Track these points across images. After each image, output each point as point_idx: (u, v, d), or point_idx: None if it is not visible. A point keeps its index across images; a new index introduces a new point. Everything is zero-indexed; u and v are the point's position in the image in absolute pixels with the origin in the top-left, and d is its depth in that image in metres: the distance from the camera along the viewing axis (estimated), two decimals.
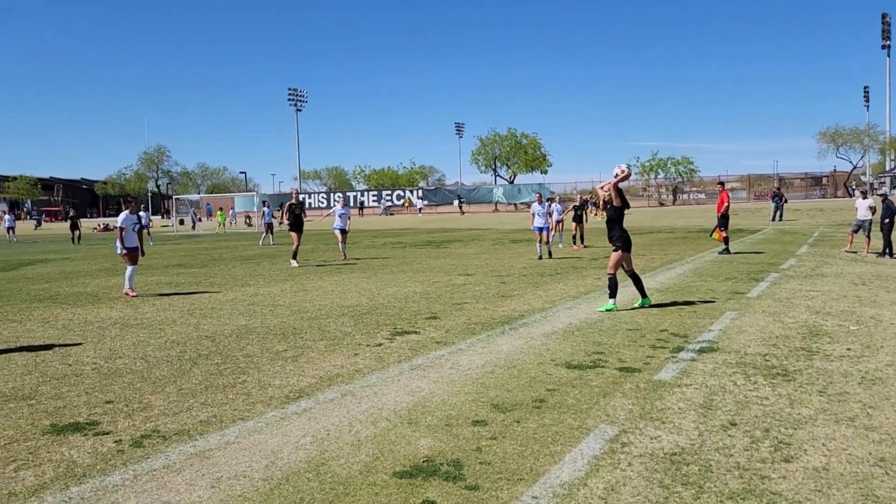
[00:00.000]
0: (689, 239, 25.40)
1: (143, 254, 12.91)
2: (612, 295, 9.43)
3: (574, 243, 22.00)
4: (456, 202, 64.03)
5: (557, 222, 21.15)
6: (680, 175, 66.50)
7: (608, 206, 9.69)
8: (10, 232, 40.66)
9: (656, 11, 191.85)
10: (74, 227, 35.33)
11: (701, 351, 6.82)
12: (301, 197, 21.42)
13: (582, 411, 5.01)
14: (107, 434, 4.68)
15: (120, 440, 4.56)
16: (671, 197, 65.46)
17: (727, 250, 17.83)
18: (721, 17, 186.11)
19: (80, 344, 7.86)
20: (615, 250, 9.50)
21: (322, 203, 72.39)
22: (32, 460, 4.23)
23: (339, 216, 19.62)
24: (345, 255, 19.40)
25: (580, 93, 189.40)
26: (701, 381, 5.73)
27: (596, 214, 47.53)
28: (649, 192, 66.40)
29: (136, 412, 5.18)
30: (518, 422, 4.81)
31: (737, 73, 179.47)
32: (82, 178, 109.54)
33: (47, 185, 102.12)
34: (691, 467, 3.92)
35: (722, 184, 20.07)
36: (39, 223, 69.23)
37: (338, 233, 19.42)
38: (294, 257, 17.58)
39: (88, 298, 11.94)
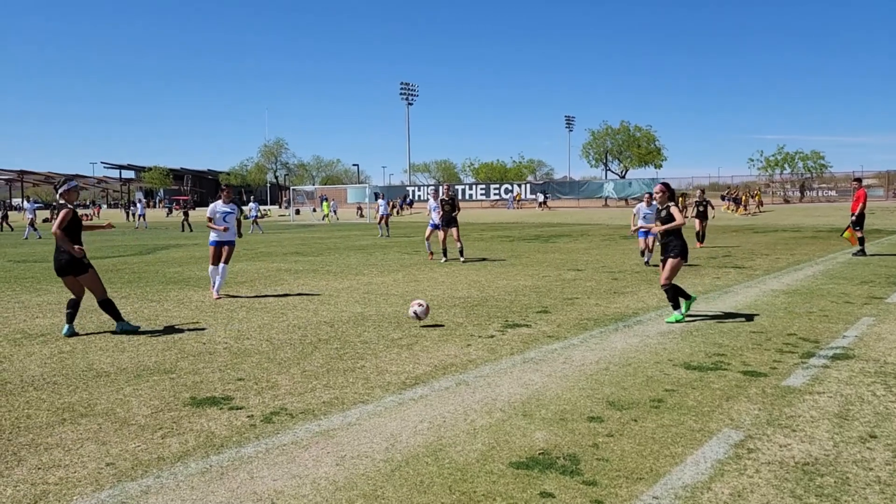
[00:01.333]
0: (818, 239, 23.88)
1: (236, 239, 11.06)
2: (677, 305, 8.46)
3: (698, 241, 20.32)
4: (540, 196, 61.92)
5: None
6: (809, 170, 62.55)
7: (665, 215, 8.73)
8: (142, 219, 44.17)
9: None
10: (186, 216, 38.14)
11: (834, 357, 6.42)
12: (452, 190, 17.28)
13: (703, 414, 4.85)
14: (240, 409, 4.99)
15: (252, 415, 4.85)
16: (798, 194, 61.62)
17: (863, 252, 16.63)
18: (847, 2, 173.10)
19: (211, 324, 8.39)
20: (674, 258, 8.37)
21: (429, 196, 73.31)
22: (176, 429, 4.57)
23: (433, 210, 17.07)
24: (431, 253, 17.15)
25: (698, 83, 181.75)
26: (835, 390, 5.40)
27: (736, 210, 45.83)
28: (773, 189, 62.78)
29: (265, 390, 5.48)
30: (635, 420, 4.72)
31: (872, 60, 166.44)
32: (208, 169, 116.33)
33: (178, 175, 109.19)
34: (826, 479, 3.72)
35: (859, 180, 18.62)
36: (170, 211, 74.23)
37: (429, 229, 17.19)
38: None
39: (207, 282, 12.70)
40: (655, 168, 74.46)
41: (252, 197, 39.69)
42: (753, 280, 12.32)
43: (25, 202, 40.73)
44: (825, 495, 3.52)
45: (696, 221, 20.84)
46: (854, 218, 16.66)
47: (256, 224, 34.87)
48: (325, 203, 54.18)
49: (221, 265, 10.66)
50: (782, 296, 10.33)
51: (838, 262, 15.61)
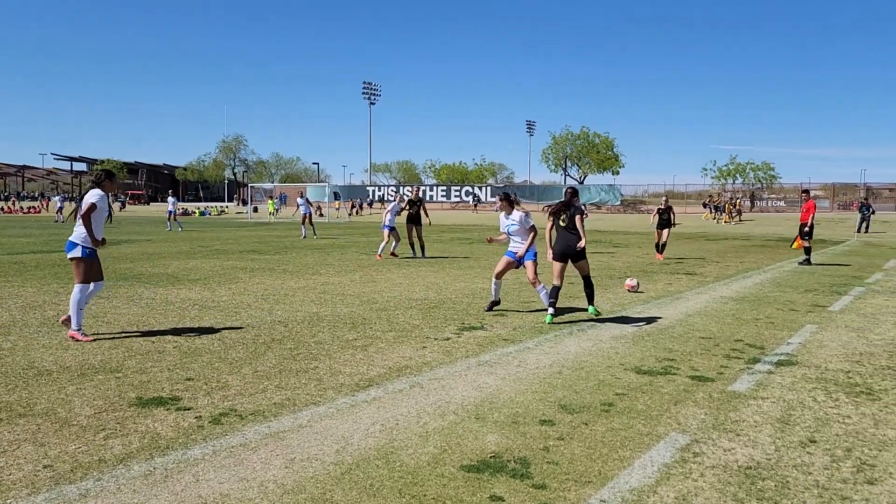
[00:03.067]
0: (766, 247, 24.54)
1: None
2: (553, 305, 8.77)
3: (658, 252, 18.42)
4: (476, 199, 62.71)
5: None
6: (759, 181, 64.28)
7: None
8: (59, 213, 42.80)
9: (742, 9, 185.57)
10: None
11: (779, 364, 6.60)
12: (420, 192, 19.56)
13: (652, 418, 4.93)
14: (188, 410, 4.89)
15: (200, 416, 4.75)
16: (748, 203, 63.27)
17: (808, 261, 17.15)
18: (803, 18, 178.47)
19: (162, 323, 8.21)
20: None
21: (391, 197, 73.15)
22: (120, 430, 4.46)
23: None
24: (391, 254, 17.51)
25: (656, 93, 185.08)
26: (778, 395, 5.54)
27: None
28: (724, 198, 64.34)
29: (215, 391, 5.38)
30: (586, 424, 4.77)
31: (824, 77, 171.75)
32: (164, 164, 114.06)
33: (132, 168, 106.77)
34: (767, 482, 3.81)
35: (807, 192, 19.22)
36: (124, 205, 72.53)
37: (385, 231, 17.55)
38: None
39: (169, 279, 12.45)
40: (613, 174, 75.68)
41: (171, 192, 37.97)
42: (704, 286, 12.59)
43: None
44: (766, 499, 3.61)
45: (656, 231, 18.53)
46: (807, 228, 17.13)
47: (175, 220, 32.35)
48: (271, 201, 53.67)
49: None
50: (731, 302, 10.58)
51: (785, 270, 16.06)
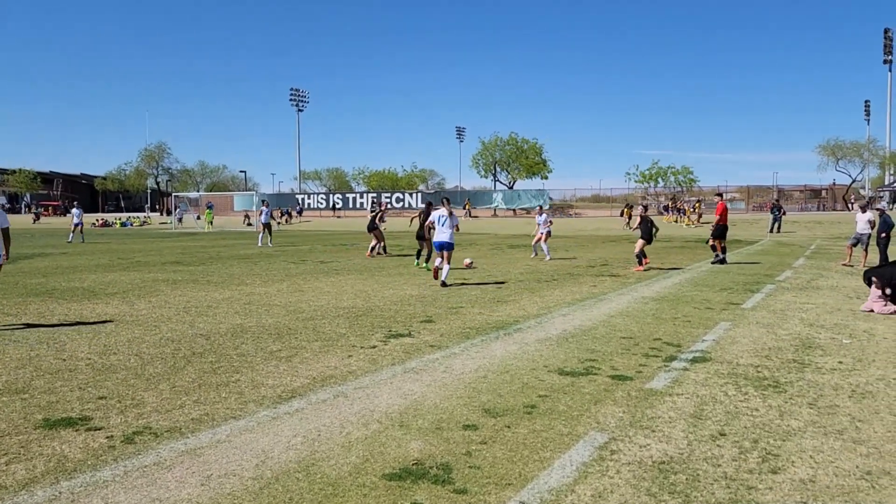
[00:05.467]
0: (686, 248, 25.45)
1: (5, 258, 8.95)
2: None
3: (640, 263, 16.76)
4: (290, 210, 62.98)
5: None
6: (679, 184, 66.58)
7: None
8: None
9: (659, 19, 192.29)
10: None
11: (693, 360, 6.85)
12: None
13: (573, 418, 5.03)
14: (99, 430, 4.70)
15: (111, 436, 4.57)
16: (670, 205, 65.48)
17: (723, 260, 17.87)
18: (722, 27, 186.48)
19: (74, 339, 7.86)
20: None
21: (322, 204, 72.35)
22: (24, 454, 4.24)
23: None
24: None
25: (582, 99, 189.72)
26: (692, 391, 5.75)
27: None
28: (648, 201, 66.40)
29: (129, 408, 5.19)
30: (509, 427, 4.83)
31: (738, 83, 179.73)
32: (82, 173, 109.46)
33: (47, 178, 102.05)
34: (679, 476, 3.95)
35: (720, 195, 20.19)
36: (38, 217, 69.18)
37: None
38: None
39: (84, 294, 11.95)
40: (542, 179, 76.93)
41: (76, 203, 36.62)
42: (627, 287, 12.95)
43: None
44: (677, 492, 3.74)
45: (640, 242, 16.69)
46: (714, 228, 17.86)
47: (82, 232, 31.20)
48: (209, 211, 52.23)
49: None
50: (651, 302, 10.92)
51: (703, 270, 16.70)
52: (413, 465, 4.12)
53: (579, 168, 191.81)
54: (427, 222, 14.32)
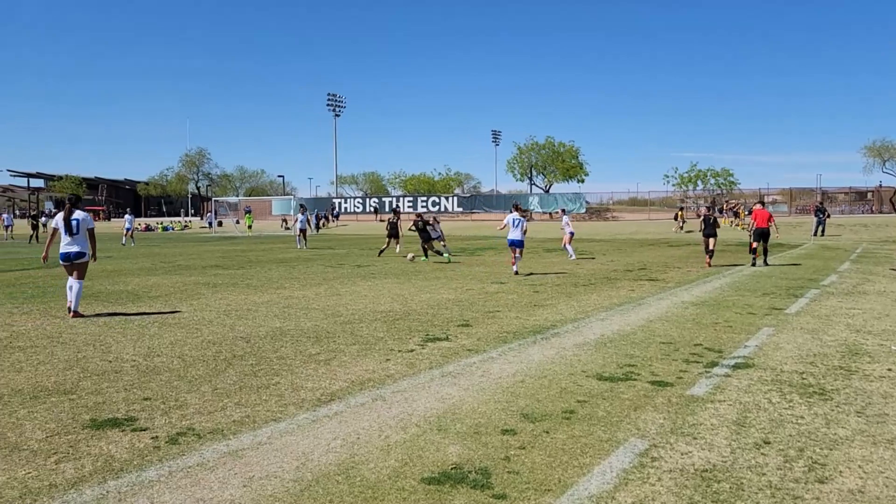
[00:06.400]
0: (727, 252, 24.99)
1: (94, 258, 10.57)
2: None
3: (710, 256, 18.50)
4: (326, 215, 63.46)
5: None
6: (719, 187, 65.51)
7: None
8: (6, 230, 41.65)
9: (698, 19, 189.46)
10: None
11: (735, 367, 6.73)
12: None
13: (612, 424, 4.98)
14: (144, 430, 4.80)
15: (156, 437, 4.67)
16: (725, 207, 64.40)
17: (765, 262, 17.71)
18: (762, 25, 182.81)
19: (119, 341, 8.05)
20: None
21: (358, 208, 72.91)
22: (72, 454, 4.36)
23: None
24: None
25: (619, 101, 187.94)
26: (734, 398, 5.65)
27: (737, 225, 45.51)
28: (687, 204, 65.45)
29: (173, 410, 5.30)
30: (547, 432, 4.80)
31: (782, 83, 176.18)
32: (126, 179, 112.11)
33: (92, 184, 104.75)
34: (722, 485, 3.88)
35: (762, 202, 20.27)
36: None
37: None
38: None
39: (129, 297, 12.23)
40: (578, 182, 76.36)
41: (129, 209, 38.59)
42: (666, 292, 12.78)
43: None
44: (720, 501, 3.67)
45: (704, 239, 18.63)
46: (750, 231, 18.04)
47: (132, 238, 33.56)
48: (248, 215, 53.10)
49: (76, 281, 10.05)
50: (691, 307, 10.75)
51: (744, 274, 16.38)
52: (452, 469, 4.12)
53: (616, 171, 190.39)
54: (503, 225, 16.74)
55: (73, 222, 10.12)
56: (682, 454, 4.36)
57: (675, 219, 45.74)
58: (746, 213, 47.56)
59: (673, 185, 66.67)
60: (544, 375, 6.44)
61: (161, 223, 69.38)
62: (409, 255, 21.34)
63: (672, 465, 4.18)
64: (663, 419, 5.09)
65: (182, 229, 64.45)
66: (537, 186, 78.81)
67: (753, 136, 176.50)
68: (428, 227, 21.46)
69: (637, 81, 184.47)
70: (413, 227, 21.84)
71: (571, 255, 21.50)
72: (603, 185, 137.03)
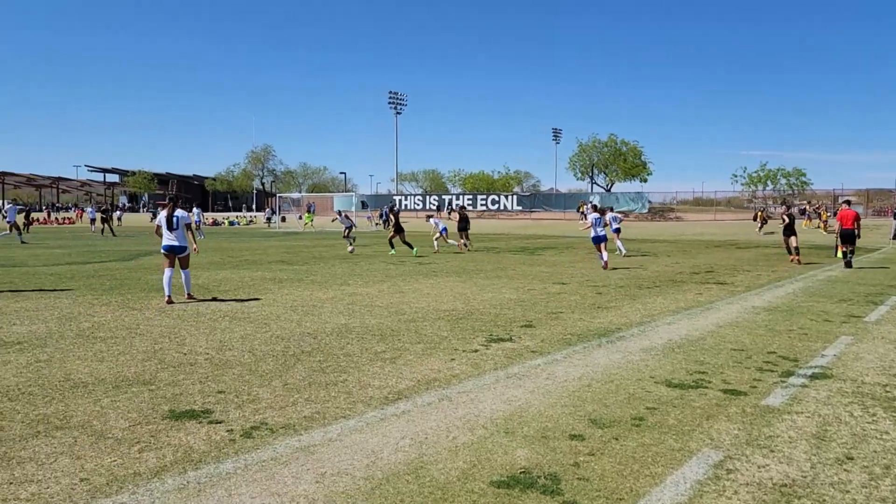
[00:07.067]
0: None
1: (195, 251, 12.27)
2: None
3: (791, 254, 20.03)
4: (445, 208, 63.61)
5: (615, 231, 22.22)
6: (790, 187, 63.29)
7: None
8: (92, 223, 43.53)
9: (767, 11, 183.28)
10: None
11: (813, 377, 6.48)
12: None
13: (684, 433, 4.87)
14: (219, 423, 4.95)
15: (231, 430, 4.80)
16: (779, 210, 62.24)
17: (849, 263, 17.60)
18: (835, 18, 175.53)
19: (193, 334, 8.32)
20: None
21: (418, 205, 73.37)
22: (154, 443, 4.52)
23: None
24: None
25: (683, 98, 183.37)
26: (813, 410, 5.44)
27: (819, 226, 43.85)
28: (755, 204, 63.46)
29: (246, 404, 5.44)
30: (616, 439, 4.73)
31: (858, 78, 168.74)
32: (194, 175, 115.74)
33: (163, 179, 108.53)
34: (803, 501, 3.74)
35: (848, 202, 19.87)
36: (155, 216, 73.70)
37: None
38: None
39: (199, 290, 12.61)
40: (641, 182, 74.92)
41: (196, 203, 40.13)
42: (735, 296, 12.42)
43: (7, 206, 40.59)
44: None
45: (784, 239, 20.54)
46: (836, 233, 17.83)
47: (199, 230, 34.97)
48: (309, 214, 54.11)
49: (184, 271, 11.69)
50: (763, 313, 10.42)
51: (818, 279, 15.77)
52: (521, 473, 4.10)
53: (680, 169, 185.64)
54: (586, 225, 19.06)
55: (174, 219, 11.52)
56: (759, 467, 4.23)
57: (755, 219, 43.99)
58: (829, 214, 45.57)
59: (741, 184, 64.77)
60: (611, 380, 6.34)
61: (227, 218, 71.32)
62: (350, 248, 24.08)
63: (749, 478, 4.06)
64: (738, 430, 4.95)
65: (247, 224, 66.10)
66: (598, 185, 77.77)
67: (827, 134, 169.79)
68: (402, 222, 23.67)
69: (704, 77, 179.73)
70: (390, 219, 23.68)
71: (622, 251, 22.07)
72: (666, 183, 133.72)
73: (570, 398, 5.73)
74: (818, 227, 43.91)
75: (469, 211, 69.23)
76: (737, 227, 46.59)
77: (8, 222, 31.48)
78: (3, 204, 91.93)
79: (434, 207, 68.73)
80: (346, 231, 28.11)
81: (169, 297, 11.05)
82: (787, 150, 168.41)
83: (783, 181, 63.22)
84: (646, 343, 8.09)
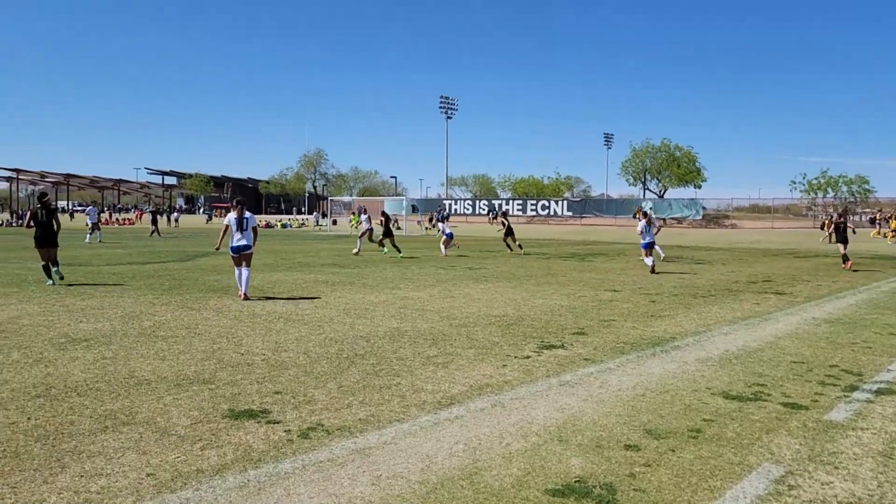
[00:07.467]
0: (861, 266, 23.28)
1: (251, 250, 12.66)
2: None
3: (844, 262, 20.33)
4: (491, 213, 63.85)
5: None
6: (853, 194, 61.18)
7: None
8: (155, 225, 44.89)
9: (827, 9, 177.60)
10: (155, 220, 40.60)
11: (878, 392, 6.26)
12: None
13: (743, 446, 4.77)
14: (277, 423, 5.05)
15: (289, 430, 4.90)
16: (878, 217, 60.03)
17: None
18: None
19: (249, 335, 8.51)
20: None
21: (468, 209, 73.43)
22: (215, 441, 4.65)
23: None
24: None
25: (739, 102, 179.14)
26: (879, 426, 5.26)
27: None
28: (815, 212, 61.54)
29: (302, 405, 5.54)
30: (673, 450, 4.66)
31: None
32: (249, 178, 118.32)
33: (218, 182, 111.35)
34: None
35: None
36: (210, 217, 75.59)
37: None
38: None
39: (254, 291, 12.89)
40: (695, 188, 73.46)
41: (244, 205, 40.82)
42: (794, 307, 12.08)
43: (88, 207, 42.43)
44: None
45: (839, 246, 20.65)
46: None
47: (98, 229, 35.16)
48: (354, 216, 54.79)
49: (244, 269, 12.06)
50: (824, 325, 10.10)
51: (882, 291, 15.21)
52: (575, 482, 4.08)
53: (735, 175, 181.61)
54: (639, 230, 19.38)
55: (244, 220, 12.19)
56: (822, 484, 4.11)
57: (822, 228, 42.34)
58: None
59: (800, 191, 62.92)
60: (666, 390, 6.25)
61: (280, 220, 72.67)
62: (355, 251, 25.06)
63: (812, 495, 3.95)
64: (799, 445, 4.82)
65: (299, 227, 67.21)
66: (651, 191, 76.56)
67: (891, 138, 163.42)
68: (391, 225, 25.30)
69: (760, 80, 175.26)
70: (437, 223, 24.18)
71: (661, 254, 22.55)
72: (721, 190, 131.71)
73: (624, 407, 5.67)
74: (885, 235, 42.27)
75: (518, 216, 69.53)
76: (795, 235, 45.31)
77: (91, 223, 32.80)
78: (70, 205, 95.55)
79: (485, 212, 68.68)
80: (367, 234, 26.96)
81: (245, 293, 11.89)
82: (851, 157, 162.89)
83: (844, 188, 61.17)
84: (702, 353, 7.94)
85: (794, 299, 13.23)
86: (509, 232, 26.96)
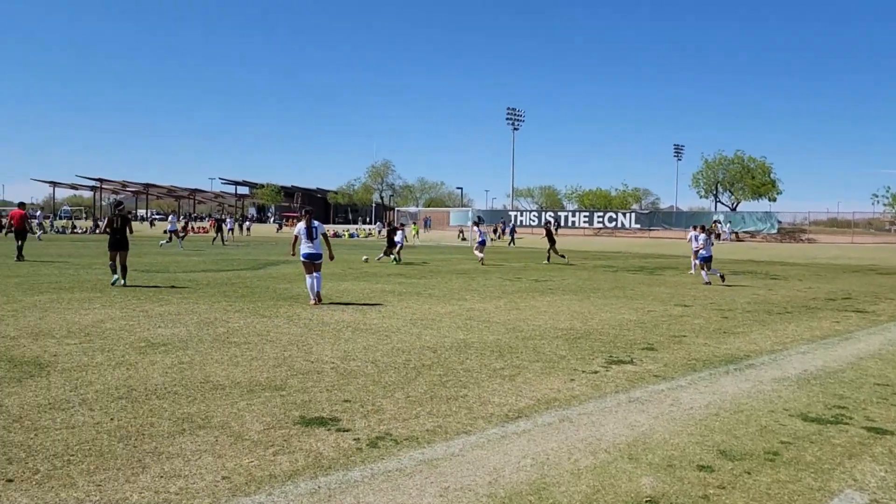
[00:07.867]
0: None
1: (331, 257, 13.62)
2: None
3: None
4: (500, 227, 62.40)
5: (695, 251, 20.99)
6: None
7: None
8: (231, 232, 46.32)
9: None
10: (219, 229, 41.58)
11: None
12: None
13: (823, 471, 4.57)
14: (347, 431, 5.14)
15: (358, 438, 4.98)
16: None
17: None
18: None
19: (319, 343, 8.69)
20: None
21: (534, 221, 73.04)
22: (286, 447, 4.76)
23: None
24: None
25: (816, 111, 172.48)
26: None
27: None
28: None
29: (371, 414, 5.62)
30: (749, 473, 4.51)
31: None
32: (318, 188, 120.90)
33: (289, 192, 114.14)
34: None
35: None
36: (281, 227, 77.61)
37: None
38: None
39: (323, 300, 13.14)
40: (770, 201, 70.92)
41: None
42: (877, 326, 11.52)
43: (170, 216, 44.87)
44: None
45: None
46: None
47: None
48: (414, 225, 55.49)
49: (316, 274, 12.74)
50: None
51: None
52: (647, 502, 4.00)
53: (813, 188, 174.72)
54: (689, 241, 20.10)
55: (313, 230, 12.80)
56: None
57: None
58: None
59: (883, 205, 59.99)
60: (740, 410, 6.05)
61: (347, 230, 73.95)
62: (364, 257, 26.67)
63: None
64: (885, 472, 4.59)
65: (366, 237, 68.20)
66: (723, 204, 74.37)
67: None
68: (395, 235, 26.39)
69: (838, 86, 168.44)
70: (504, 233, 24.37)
71: (704, 279, 19.03)
72: (796, 203, 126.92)
73: (696, 427, 5.53)
74: None
75: (585, 228, 68.73)
76: (878, 250, 43.22)
77: (169, 231, 34.39)
78: (149, 213, 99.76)
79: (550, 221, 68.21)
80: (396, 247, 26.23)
81: (316, 298, 12.55)
82: None
83: None
84: (778, 373, 7.66)
85: (876, 318, 12.62)
86: (552, 241, 27.80)
